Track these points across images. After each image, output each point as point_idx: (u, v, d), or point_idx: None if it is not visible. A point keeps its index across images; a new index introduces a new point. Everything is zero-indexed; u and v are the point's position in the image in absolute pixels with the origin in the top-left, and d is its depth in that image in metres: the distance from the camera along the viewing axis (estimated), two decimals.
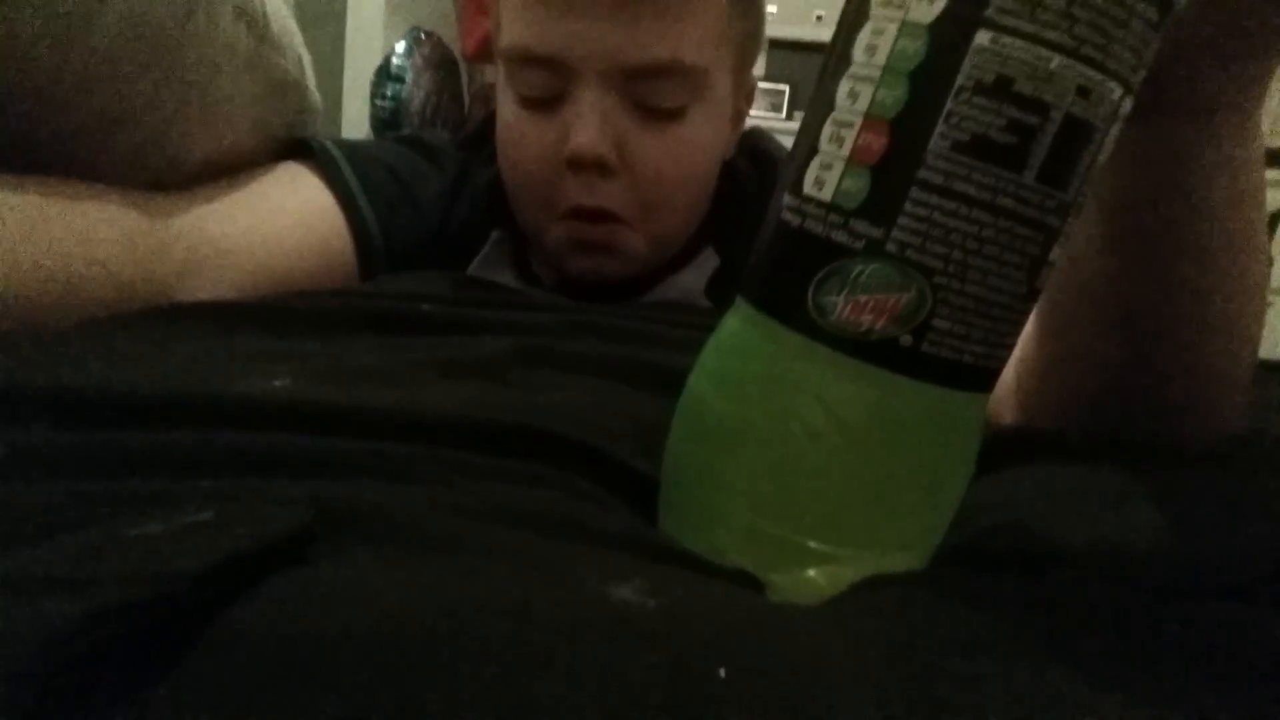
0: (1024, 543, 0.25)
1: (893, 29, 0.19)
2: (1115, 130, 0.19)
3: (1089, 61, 0.18)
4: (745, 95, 0.58)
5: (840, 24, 0.21)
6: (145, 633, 0.13)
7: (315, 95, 0.59)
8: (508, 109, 0.53)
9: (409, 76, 2.09)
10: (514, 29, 0.50)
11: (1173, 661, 0.17)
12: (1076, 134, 0.18)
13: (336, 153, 0.55)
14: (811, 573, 0.22)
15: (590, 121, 0.48)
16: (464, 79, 2.28)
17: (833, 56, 0.21)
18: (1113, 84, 0.18)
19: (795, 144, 0.22)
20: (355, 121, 2.22)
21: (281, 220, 0.50)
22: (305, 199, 0.52)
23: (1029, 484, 0.29)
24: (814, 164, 0.21)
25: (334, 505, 0.18)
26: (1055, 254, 0.20)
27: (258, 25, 0.49)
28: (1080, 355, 0.35)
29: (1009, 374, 0.40)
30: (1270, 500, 0.28)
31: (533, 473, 0.24)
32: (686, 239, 0.57)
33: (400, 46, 2.13)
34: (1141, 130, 0.28)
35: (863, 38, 0.20)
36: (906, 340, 0.20)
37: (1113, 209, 0.31)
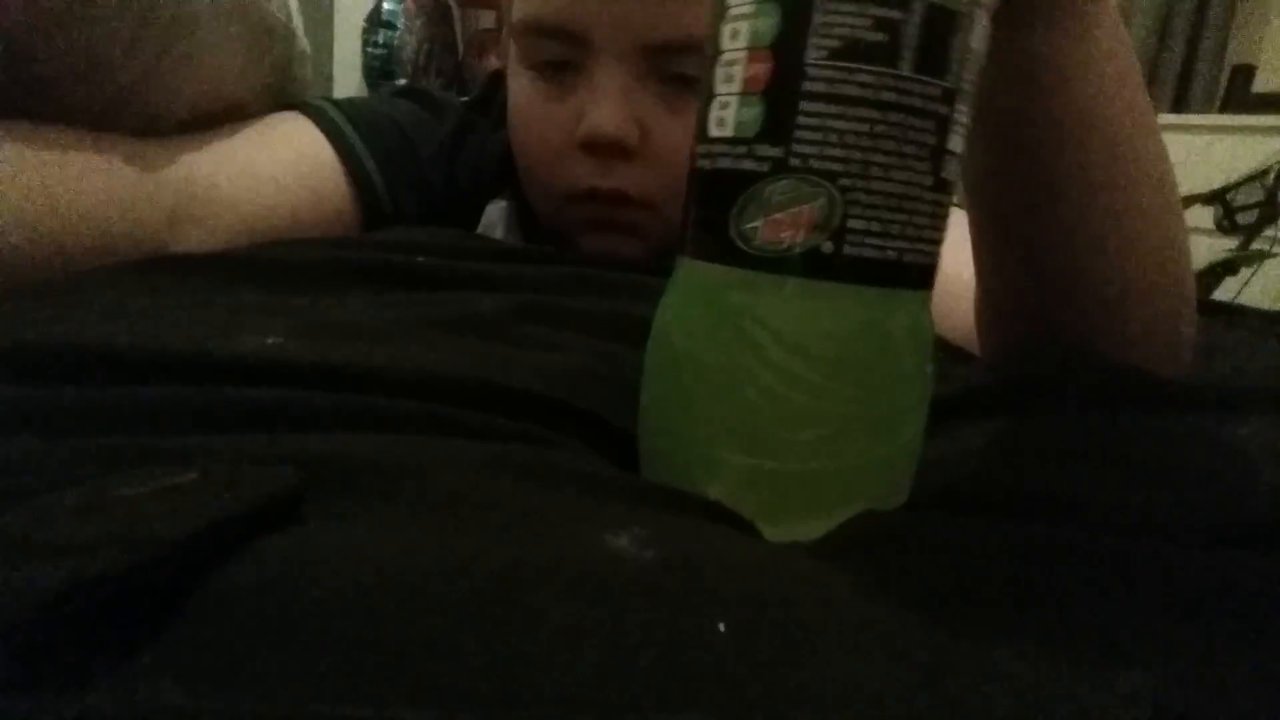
0: (1014, 489, 0.25)
1: None
2: (983, 16, 0.21)
3: None
4: None
5: None
6: (131, 597, 0.13)
7: (304, 42, 0.56)
8: (519, 88, 0.50)
9: (401, 23, 2.00)
10: (529, 1, 0.47)
11: (1175, 609, 0.17)
12: (941, 21, 0.20)
13: (331, 107, 0.52)
14: (802, 513, 0.23)
15: (608, 100, 0.45)
16: (457, 25, 2.20)
17: (714, 11, 0.22)
18: None
19: (698, 102, 0.23)
20: (346, 70, 2.14)
21: (275, 170, 0.47)
22: (300, 149, 0.50)
23: (1018, 431, 0.29)
24: (713, 107, 0.22)
25: (326, 462, 0.18)
26: (954, 143, 0.21)
27: None
28: (999, 288, 0.36)
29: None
30: (1263, 443, 0.27)
31: (528, 433, 0.23)
32: None
33: None
34: (1004, 45, 0.29)
35: None
36: (828, 247, 0.20)
37: (994, 132, 0.32)
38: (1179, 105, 2.25)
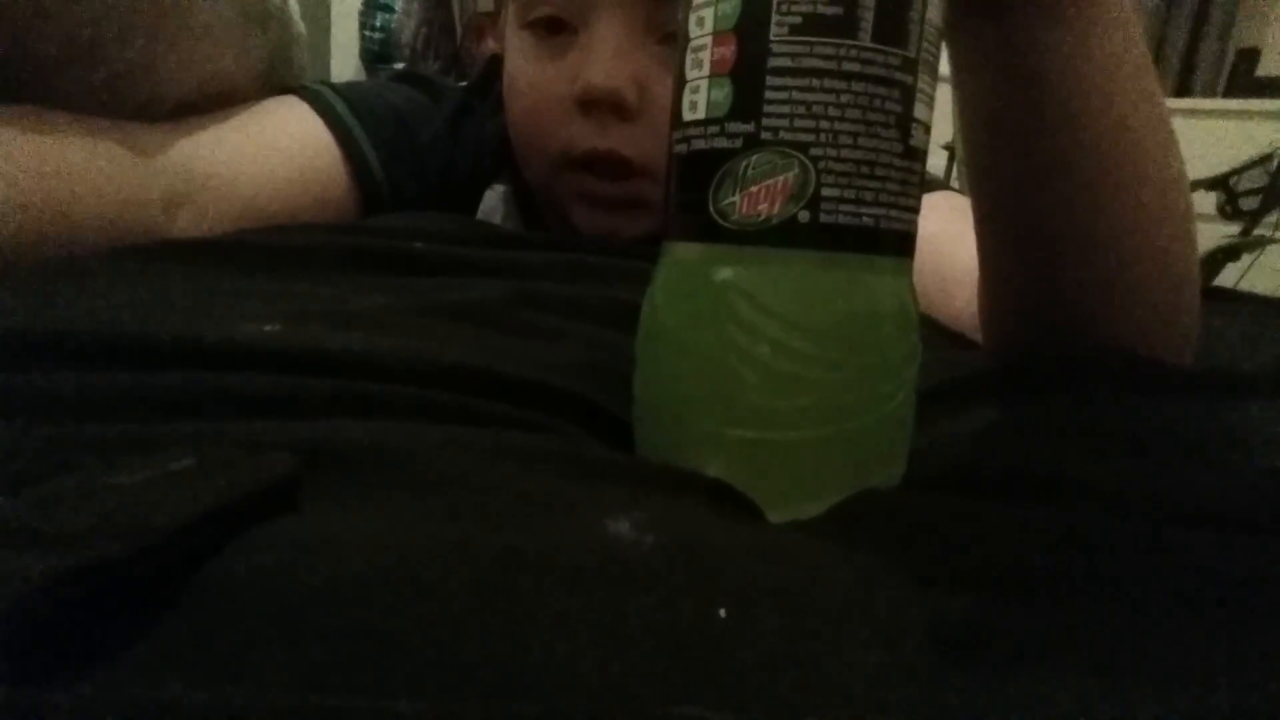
0: (1018, 470, 0.25)
1: None
2: None
3: None
4: None
5: None
6: (126, 586, 0.13)
7: (300, 26, 0.56)
8: (515, 50, 0.49)
9: (399, 6, 1.98)
10: None
11: (1184, 594, 0.17)
12: None
13: (329, 91, 0.52)
14: (797, 490, 0.23)
15: (605, 55, 0.44)
16: (455, 8, 2.17)
17: (681, 5, 0.23)
18: None
19: (672, 91, 0.24)
20: (344, 53, 2.11)
21: (272, 154, 0.47)
22: (297, 133, 0.49)
23: (1023, 414, 0.29)
24: (685, 92, 0.23)
25: (323, 448, 0.18)
26: (920, 111, 0.22)
27: None
28: (1002, 276, 0.36)
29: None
30: (1265, 428, 0.27)
31: (526, 420, 0.23)
32: None
33: None
34: (995, 34, 0.29)
35: None
36: (804, 216, 0.21)
37: (996, 125, 0.31)
38: (1183, 89, 2.24)
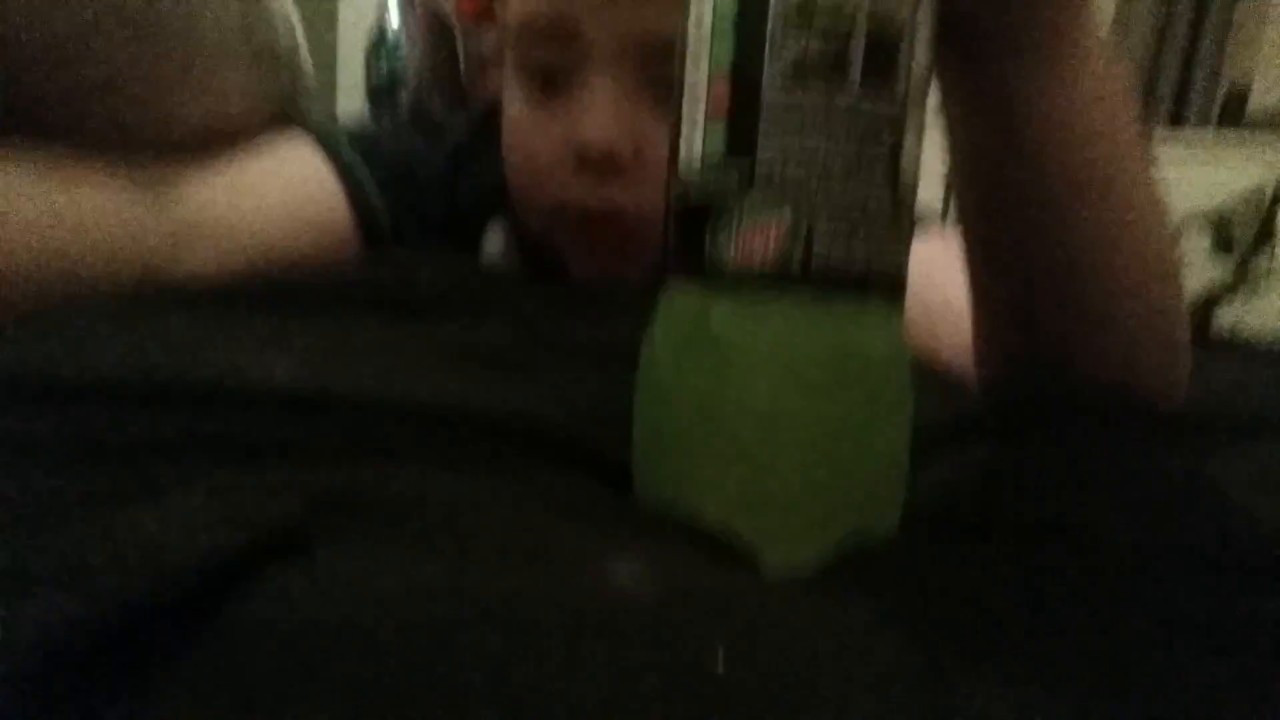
0: (1011, 516, 0.25)
1: None
2: (924, 35, 0.22)
3: None
4: None
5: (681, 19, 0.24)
6: (143, 627, 0.14)
7: (308, 64, 0.56)
8: (512, 99, 0.50)
9: (404, 45, 2.15)
10: (524, 2, 0.47)
11: (1172, 637, 0.17)
12: (882, 39, 0.21)
13: (334, 130, 0.52)
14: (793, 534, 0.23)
15: (600, 111, 0.44)
16: (460, 48, 2.35)
17: (678, 48, 0.24)
18: None
19: (669, 134, 0.24)
20: (350, 91, 2.15)
21: (277, 195, 0.48)
22: (302, 173, 0.50)
23: (1015, 459, 0.30)
24: (682, 139, 0.23)
25: (332, 491, 0.18)
26: (909, 155, 0.22)
27: None
28: (992, 317, 0.36)
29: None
30: (1256, 471, 0.28)
31: (529, 463, 0.24)
32: None
33: (394, 13, 2.03)
34: (977, 79, 0.29)
35: (692, 13, 0.22)
36: (798, 259, 0.21)
37: (975, 165, 0.32)
38: (1176, 120, 2.27)
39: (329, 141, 0.51)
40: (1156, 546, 0.22)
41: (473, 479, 0.21)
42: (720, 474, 0.23)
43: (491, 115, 0.59)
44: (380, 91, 2.18)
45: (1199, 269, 1.29)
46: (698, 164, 0.22)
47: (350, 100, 2.23)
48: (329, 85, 2.18)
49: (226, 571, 0.15)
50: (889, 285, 0.23)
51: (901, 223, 0.22)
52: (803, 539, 0.22)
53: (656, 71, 0.44)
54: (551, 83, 0.47)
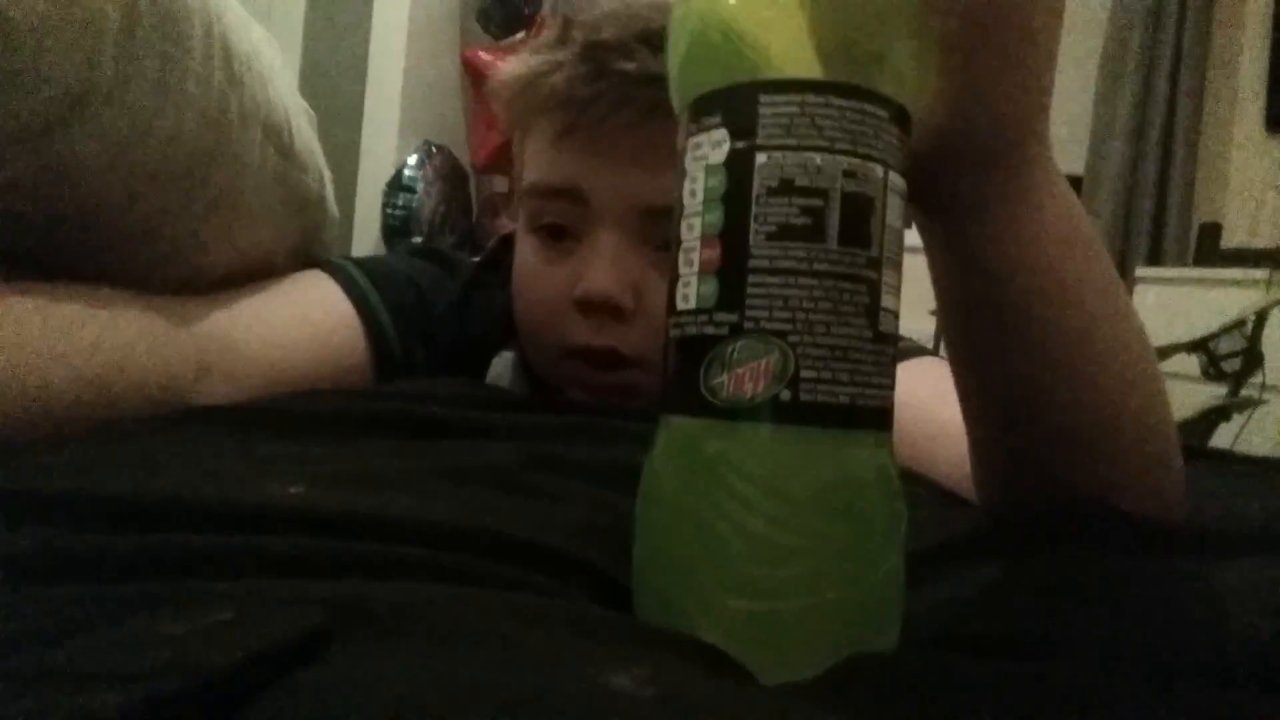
0: (1008, 632, 0.26)
1: (701, 173, 0.25)
2: (894, 197, 0.25)
3: (845, 152, 0.24)
4: None
5: (673, 188, 0.27)
6: None
7: (334, 208, 0.61)
8: (524, 250, 0.55)
9: (420, 187, 2.22)
10: (537, 168, 0.52)
11: None
12: (857, 204, 0.24)
13: (352, 266, 0.57)
14: (792, 656, 0.24)
15: (603, 263, 0.50)
16: (472, 190, 2.40)
17: (673, 213, 0.27)
18: (872, 164, 0.24)
19: (668, 284, 0.27)
20: (366, 228, 2.33)
21: (297, 327, 0.52)
22: (321, 306, 0.54)
23: (1012, 575, 0.31)
24: (679, 286, 0.26)
25: (348, 605, 0.20)
26: (887, 301, 0.25)
27: (284, 144, 0.53)
28: (984, 441, 0.38)
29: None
30: (1252, 585, 0.29)
31: (531, 581, 0.25)
32: None
33: (412, 159, 2.26)
34: (945, 231, 0.33)
35: (685, 186, 0.26)
36: (786, 395, 0.23)
37: (951, 308, 0.35)
38: (1153, 258, 2.36)
39: (347, 276, 0.56)
40: (1159, 662, 0.23)
41: (476, 595, 0.23)
42: (716, 597, 0.24)
43: (499, 252, 0.65)
44: (395, 229, 2.32)
45: (1194, 394, 1.32)
46: (692, 310, 0.25)
47: (364, 235, 2.38)
48: (347, 218, 2.34)
49: (258, 673, 0.16)
50: (874, 417, 0.25)
51: (883, 361, 0.25)
52: (802, 661, 0.23)
53: (655, 229, 0.50)
54: (560, 235, 0.52)
